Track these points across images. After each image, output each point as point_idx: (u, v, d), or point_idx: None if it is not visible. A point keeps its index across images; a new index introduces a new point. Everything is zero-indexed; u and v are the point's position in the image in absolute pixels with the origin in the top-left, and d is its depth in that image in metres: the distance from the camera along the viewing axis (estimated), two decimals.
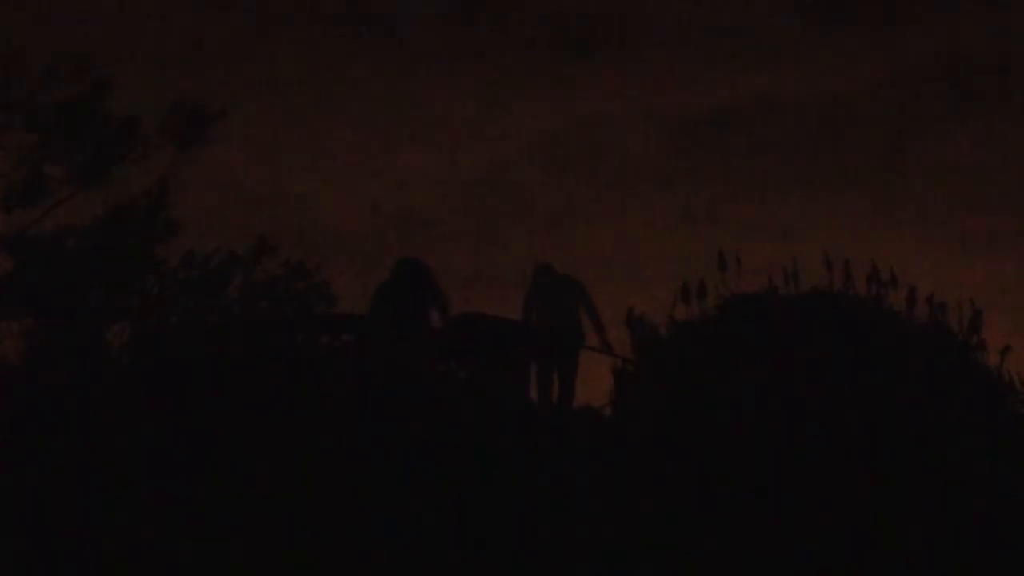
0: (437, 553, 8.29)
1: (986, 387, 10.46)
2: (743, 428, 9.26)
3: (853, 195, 26.26)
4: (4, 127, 18.56)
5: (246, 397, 9.39)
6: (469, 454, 9.06)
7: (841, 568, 8.31)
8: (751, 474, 8.88)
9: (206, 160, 19.50)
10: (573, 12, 26.68)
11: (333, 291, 19.61)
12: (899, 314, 11.18)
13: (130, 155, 19.11)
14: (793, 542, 8.43)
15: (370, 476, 8.74)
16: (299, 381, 9.83)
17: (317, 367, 10.49)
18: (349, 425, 9.24)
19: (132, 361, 10.80)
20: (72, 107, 18.87)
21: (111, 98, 19.11)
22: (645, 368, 11.12)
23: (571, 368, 11.73)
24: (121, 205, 18.98)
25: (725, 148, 26.80)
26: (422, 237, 26.20)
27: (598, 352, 11.76)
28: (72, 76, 18.93)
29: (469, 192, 27.37)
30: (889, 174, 26.80)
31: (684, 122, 27.47)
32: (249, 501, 8.49)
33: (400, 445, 9.01)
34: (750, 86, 27.00)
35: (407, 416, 9.48)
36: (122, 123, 19.13)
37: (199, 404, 9.26)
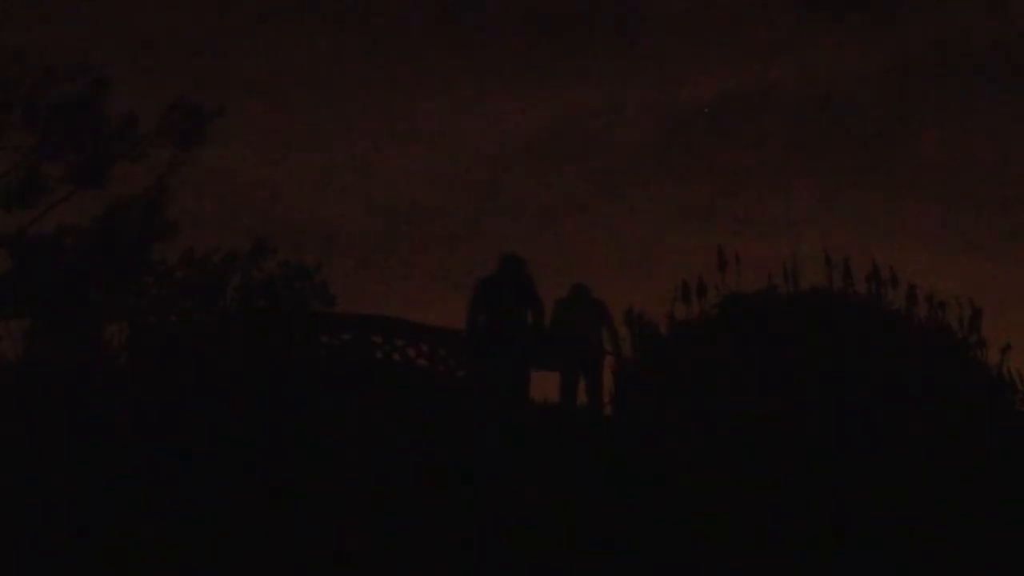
0: (434, 552, 8.29)
1: (987, 385, 10.46)
2: (743, 427, 9.26)
3: (853, 188, 26.26)
4: (3, 126, 18.55)
5: (245, 396, 9.39)
6: (468, 452, 9.06)
7: (842, 567, 8.31)
8: (751, 473, 8.88)
9: (204, 159, 19.52)
10: (567, 5, 26.64)
11: (334, 292, 19.65)
12: (899, 312, 11.17)
13: (129, 154, 19.11)
14: (793, 541, 8.42)
15: (368, 475, 8.74)
16: (298, 380, 9.84)
17: (316, 366, 10.50)
18: (348, 424, 9.25)
19: (131, 360, 10.80)
20: (71, 106, 18.87)
21: (110, 97, 19.12)
22: (645, 367, 11.11)
23: (597, 378, 11.92)
24: (120, 204, 18.99)
25: (721, 141, 26.77)
26: (417, 234, 26.21)
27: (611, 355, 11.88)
28: (70, 75, 18.93)
29: (464, 189, 27.37)
30: (890, 167, 26.77)
31: (679, 115, 27.45)
32: (248, 499, 8.48)
33: (399, 444, 9.01)
34: (747, 78, 26.96)
35: (406, 415, 9.48)
36: (120, 122, 19.14)
37: (198, 403, 9.26)
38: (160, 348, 11.08)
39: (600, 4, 26.60)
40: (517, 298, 11.63)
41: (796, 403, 9.54)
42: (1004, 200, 25.58)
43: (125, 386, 9.75)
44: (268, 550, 8.26)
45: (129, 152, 19.11)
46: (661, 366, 10.89)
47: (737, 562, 8.37)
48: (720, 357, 10.41)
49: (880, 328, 10.77)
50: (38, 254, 18.04)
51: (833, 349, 10.23)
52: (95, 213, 18.88)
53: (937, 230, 25.19)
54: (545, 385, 11.97)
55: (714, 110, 25.73)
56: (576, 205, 27.24)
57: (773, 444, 9.14)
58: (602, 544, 8.42)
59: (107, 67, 19.18)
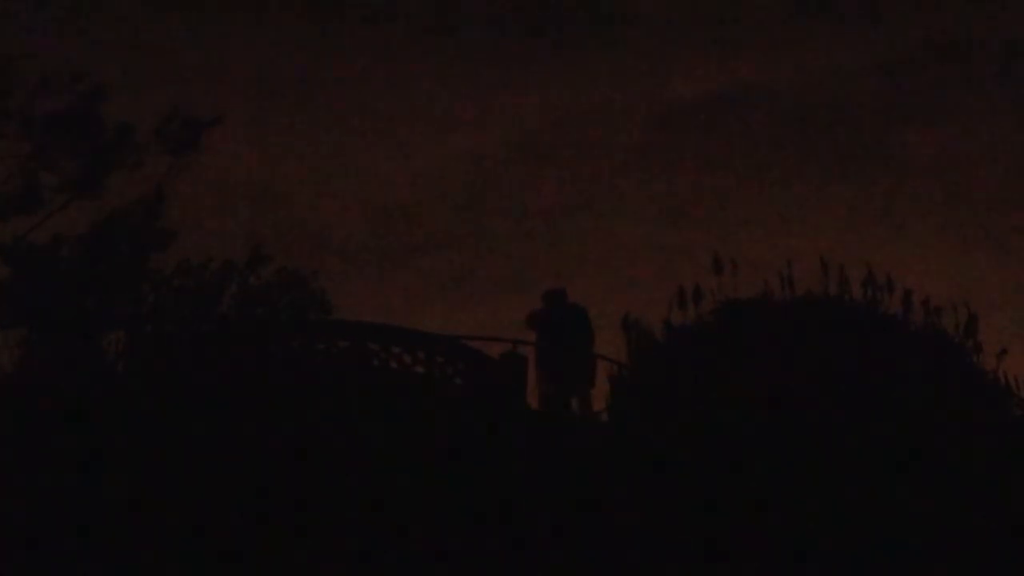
0: (434, 554, 8.30)
1: (984, 390, 10.46)
2: (740, 432, 9.26)
3: (845, 187, 26.16)
4: None
5: (242, 403, 9.39)
6: (467, 456, 9.06)
7: (841, 570, 8.31)
8: (748, 478, 8.88)
9: (201, 166, 19.51)
10: (556, 3, 26.55)
11: (329, 297, 19.63)
12: (895, 318, 11.17)
13: (125, 163, 19.08)
14: (792, 544, 8.42)
15: (369, 479, 8.74)
16: (296, 387, 9.83)
17: (314, 373, 10.50)
18: (347, 429, 9.25)
19: (128, 369, 10.80)
20: (67, 115, 18.85)
21: (106, 106, 19.09)
22: (642, 373, 11.10)
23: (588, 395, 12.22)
24: (116, 213, 18.95)
25: (712, 139, 26.69)
26: (412, 237, 26.16)
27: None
28: (67, 84, 18.91)
29: (457, 190, 27.31)
30: (881, 165, 26.71)
31: (673, 114, 27.35)
32: (247, 505, 8.48)
33: (399, 448, 9.01)
34: (737, 75, 26.90)
35: (406, 420, 9.48)
36: (117, 130, 19.11)
37: (195, 411, 9.25)
38: (157, 356, 11.07)
39: (595, 3, 26.54)
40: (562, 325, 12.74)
41: (795, 409, 9.53)
42: (1000, 198, 25.52)
43: (122, 394, 9.74)
44: (266, 554, 8.26)
45: (126, 161, 19.08)
46: (658, 372, 10.88)
47: (736, 563, 8.37)
48: (718, 363, 10.41)
49: (877, 334, 10.78)
50: (35, 263, 18.02)
51: (830, 355, 10.24)
52: (92, 222, 18.84)
53: (931, 229, 25.15)
54: None
55: (711, 117, 25.70)
56: (570, 206, 27.16)
57: (771, 449, 9.15)
58: (601, 544, 8.42)
59: (104, 73, 19.18)
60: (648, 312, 11.46)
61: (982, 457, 9.27)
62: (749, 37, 26.23)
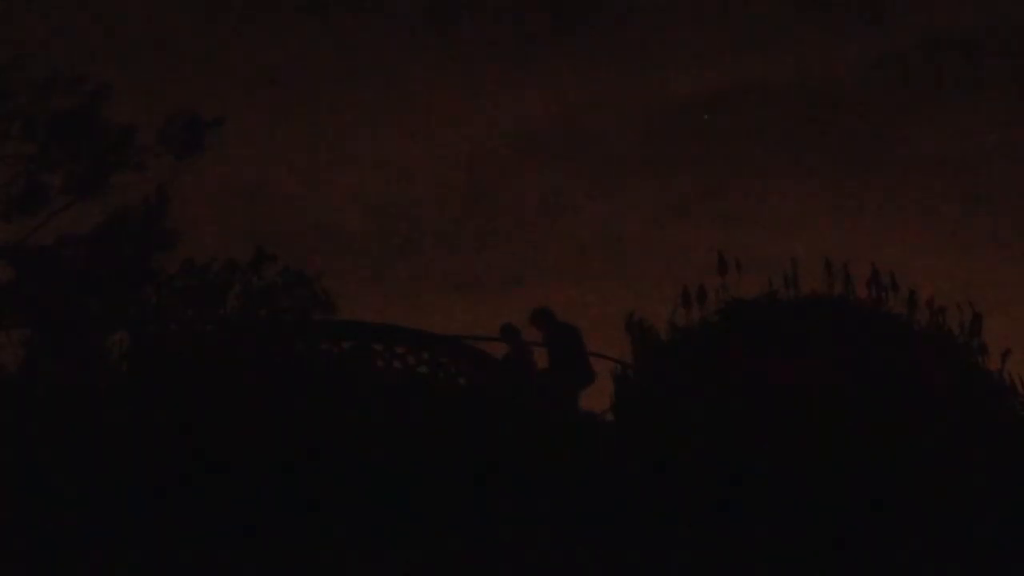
0: (438, 555, 8.30)
1: (988, 391, 10.46)
2: (745, 432, 9.26)
3: (845, 183, 26.10)
4: (2, 136, 18.56)
5: (246, 404, 9.39)
6: (470, 458, 9.06)
7: (843, 569, 8.31)
8: (752, 479, 8.87)
9: (203, 166, 19.53)
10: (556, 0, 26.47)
11: (333, 297, 19.62)
12: (900, 318, 11.18)
13: (128, 164, 19.09)
14: (795, 544, 8.41)
15: (370, 480, 8.73)
16: (299, 388, 9.84)
17: (317, 374, 10.50)
18: (349, 429, 9.25)
19: (131, 370, 10.80)
20: (70, 116, 18.87)
21: (108, 107, 19.11)
22: (646, 373, 11.11)
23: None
24: (119, 214, 18.96)
25: (714, 135, 26.61)
26: (412, 234, 26.15)
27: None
28: (70, 85, 18.93)
29: (459, 187, 27.28)
30: (884, 163, 26.65)
31: (671, 111, 27.28)
32: (249, 507, 8.48)
33: (401, 449, 9.01)
34: (737, 73, 26.84)
35: (408, 420, 9.48)
36: (119, 132, 19.13)
37: (198, 412, 9.25)
38: (160, 357, 11.08)
39: (596, 0, 26.47)
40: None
41: (799, 408, 9.53)
42: (1003, 197, 25.47)
43: (125, 396, 9.75)
44: (269, 554, 8.27)
45: (129, 161, 19.10)
46: (663, 372, 10.89)
47: (739, 564, 8.37)
48: (722, 363, 10.41)
49: (881, 334, 10.78)
50: (38, 264, 18.03)
51: (835, 355, 10.24)
52: (95, 223, 18.85)
53: (935, 228, 25.12)
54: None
55: (713, 115, 25.63)
56: (571, 203, 27.13)
57: (775, 449, 9.14)
58: (603, 544, 8.42)
59: (107, 74, 19.20)
60: (652, 312, 11.48)
61: (986, 457, 9.26)
62: (749, 35, 26.18)
